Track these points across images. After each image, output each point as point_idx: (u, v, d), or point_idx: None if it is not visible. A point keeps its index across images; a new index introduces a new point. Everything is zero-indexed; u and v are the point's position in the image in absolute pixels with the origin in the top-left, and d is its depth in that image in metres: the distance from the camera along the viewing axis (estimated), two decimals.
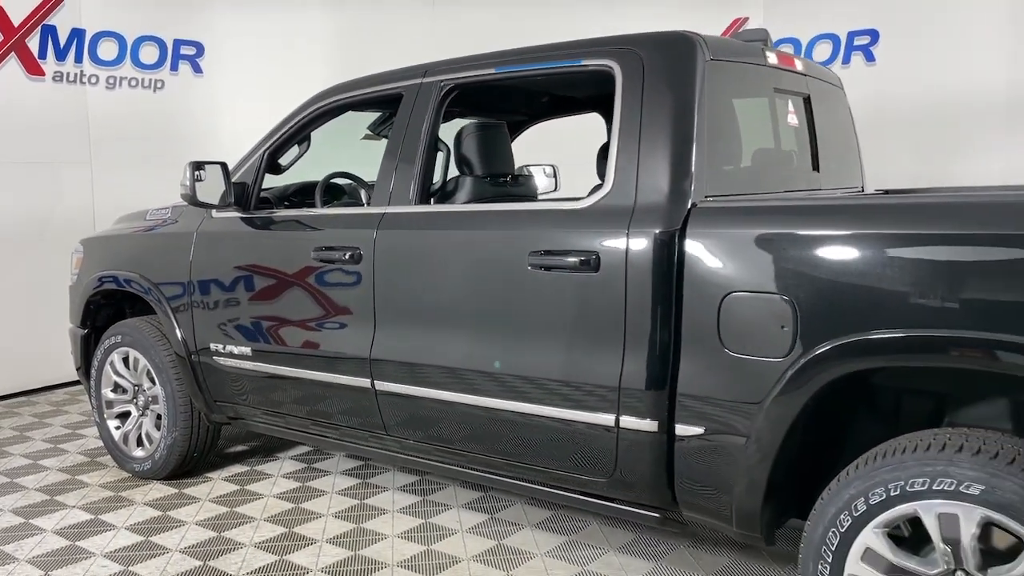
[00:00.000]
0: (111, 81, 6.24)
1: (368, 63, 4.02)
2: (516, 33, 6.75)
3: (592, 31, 3.26)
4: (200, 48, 6.67)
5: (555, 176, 5.18)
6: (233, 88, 6.72)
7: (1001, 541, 2.08)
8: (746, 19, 6.89)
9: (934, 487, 2.05)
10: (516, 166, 4.47)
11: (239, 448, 4.70)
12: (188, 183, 3.54)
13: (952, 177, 5.91)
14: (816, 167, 3.32)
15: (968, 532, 2.02)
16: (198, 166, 3.56)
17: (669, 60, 2.68)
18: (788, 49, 6.72)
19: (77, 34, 6.04)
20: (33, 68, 5.83)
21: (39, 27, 5.84)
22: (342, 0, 7.14)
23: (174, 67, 6.55)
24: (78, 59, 6.06)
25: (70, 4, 5.97)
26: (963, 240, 2.09)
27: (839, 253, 2.23)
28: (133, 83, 6.35)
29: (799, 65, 3.25)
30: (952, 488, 2.02)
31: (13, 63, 5.74)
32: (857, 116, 6.37)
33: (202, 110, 6.65)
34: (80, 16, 6.04)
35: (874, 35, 6.33)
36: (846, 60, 6.47)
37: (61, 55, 5.97)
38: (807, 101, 3.28)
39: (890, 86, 6.21)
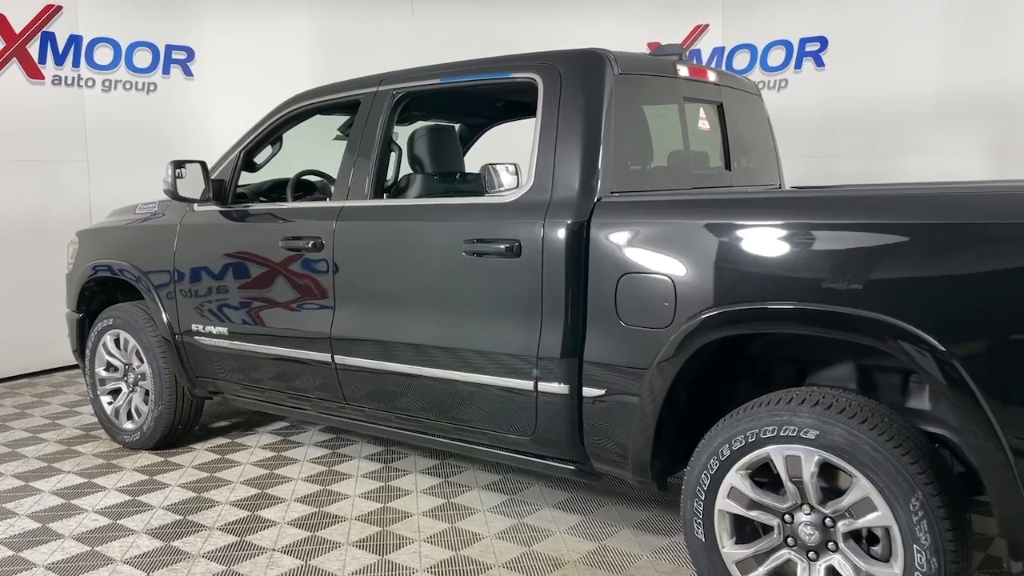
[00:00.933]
0: (107, 84, 6.64)
1: (352, 66, 4.34)
2: (491, 37, 7.15)
3: (563, 35, 3.61)
4: (191, 53, 7.06)
5: (517, 174, 5.55)
6: (222, 91, 7.11)
7: (843, 482, 2.48)
8: (706, 26, 7.28)
9: (781, 433, 2.46)
10: (482, 164, 4.80)
11: (222, 423, 5.11)
12: (169, 180, 3.95)
13: (896, 175, 6.30)
14: (728, 167, 3.72)
15: (808, 471, 2.44)
16: (179, 164, 3.96)
17: (582, 74, 3.08)
18: (744, 55, 7.13)
19: (75, 40, 6.43)
20: (33, 72, 6.24)
21: (39, 34, 6.24)
22: (326, 6, 7.52)
23: (166, 71, 6.95)
24: (75, 63, 6.46)
25: (68, 12, 6.36)
26: (801, 228, 2.49)
27: (706, 240, 2.64)
28: (127, 86, 6.75)
29: (712, 76, 3.65)
30: (795, 434, 2.44)
31: (15, 68, 6.14)
32: (807, 117, 6.79)
33: (192, 111, 7.05)
34: (77, 23, 6.44)
35: (823, 42, 6.72)
36: (798, 65, 6.86)
37: (60, 60, 6.37)
38: (720, 108, 3.68)
39: (838, 89, 6.61)
